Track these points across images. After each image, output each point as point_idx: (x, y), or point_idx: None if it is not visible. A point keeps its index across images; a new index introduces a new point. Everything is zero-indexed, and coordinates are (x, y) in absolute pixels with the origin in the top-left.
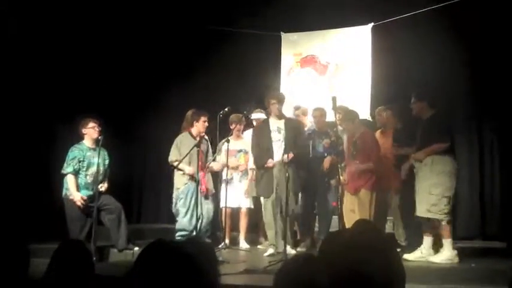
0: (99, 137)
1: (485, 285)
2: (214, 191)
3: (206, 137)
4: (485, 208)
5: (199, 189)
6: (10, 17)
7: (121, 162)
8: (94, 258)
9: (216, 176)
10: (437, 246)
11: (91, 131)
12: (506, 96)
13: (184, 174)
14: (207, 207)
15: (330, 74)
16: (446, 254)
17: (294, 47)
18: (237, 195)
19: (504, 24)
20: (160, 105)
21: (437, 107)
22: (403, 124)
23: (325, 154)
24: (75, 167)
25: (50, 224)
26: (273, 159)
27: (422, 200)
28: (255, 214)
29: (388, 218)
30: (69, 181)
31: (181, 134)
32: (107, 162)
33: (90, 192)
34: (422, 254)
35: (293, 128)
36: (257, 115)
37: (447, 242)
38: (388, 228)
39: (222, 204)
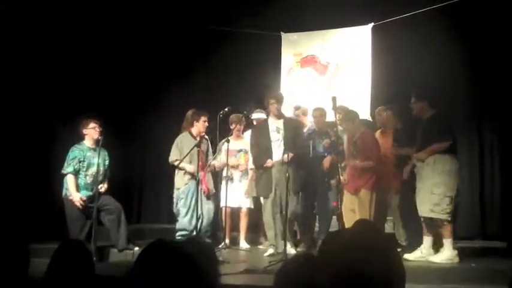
0: (100, 138)
1: (485, 285)
2: (214, 191)
3: (206, 137)
4: (486, 208)
5: (199, 189)
6: (10, 17)
7: (121, 163)
8: (94, 258)
9: (216, 176)
10: (437, 246)
11: (92, 132)
12: (506, 96)
13: (185, 173)
14: (207, 207)
15: (330, 74)
16: (447, 254)
17: (294, 47)
18: (237, 195)
19: (504, 24)
20: (160, 105)
21: (438, 107)
22: (403, 124)
23: (325, 154)
24: (75, 167)
25: (50, 224)
26: (272, 159)
27: (424, 199)
28: (255, 214)
29: (388, 218)
30: (69, 181)
31: (182, 134)
32: (107, 162)
33: (90, 193)
34: (422, 254)
35: (292, 128)
36: (257, 115)
37: (448, 242)
38: (389, 228)
39: (222, 204)
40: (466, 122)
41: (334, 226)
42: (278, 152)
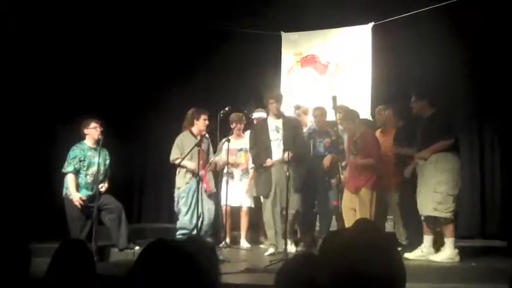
0: (100, 137)
1: (485, 284)
2: (215, 190)
3: (207, 136)
4: (486, 207)
5: (200, 187)
6: (10, 17)
7: (122, 162)
8: (95, 258)
9: (217, 176)
10: (437, 245)
11: (93, 131)
12: (506, 95)
13: (186, 172)
14: (208, 207)
15: (330, 73)
16: (447, 253)
17: (295, 47)
18: (237, 194)
19: (504, 23)
20: (160, 105)
21: (438, 106)
22: (404, 123)
23: (326, 153)
24: (76, 166)
25: (51, 223)
26: (271, 158)
27: (427, 198)
28: (255, 213)
29: (388, 217)
30: (69, 181)
31: (182, 133)
32: (107, 162)
33: (90, 192)
34: (422, 253)
35: (292, 127)
36: (258, 114)
37: (449, 241)
38: (389, 227)
39: (222, 202)
40: (466, 121)
41: (334, 225)
42: (277, 151)
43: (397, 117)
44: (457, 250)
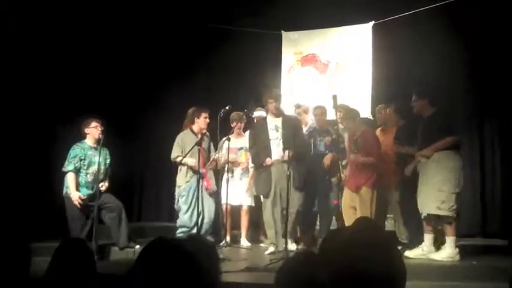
0: (101, 136)
1: (486, 282)
2: (216, 189)
3: (207, 134)
4: (486, 206)
5: (200, 186)
6: (10, 17)
7: (122, 161)
8: (95, 257)
9: (217, 174)
10: (438, 243)
11: (93, 131)
12: (507, 95)
13: (187, 171)
14: (208, 205)
15: (330, 72)
16: (448, 252)
17: (295, 46)
18: (238, 193)
19: (505, 22)
20: (160, 104)
21: (438, 105)
22: (404, 122)
23: (327, 152)
24: (76, 165)
25: (51, 222)
26: (271, 157)
27: (430, 196)
28: (255, 212)
29: (388, 215)
30: (69, 179)
31: (183, 132)
32: (108, 161)
33: (91, 191)
34: (423, 252)
35: (291, 126)
36: (258, 113)
37: (450, 240)
38: (389, 225)
39: (223, 201)
40: (466, 121)
41: (335, 224)
42: (277, 150)
43: (398, 115)
44: (457, 249)
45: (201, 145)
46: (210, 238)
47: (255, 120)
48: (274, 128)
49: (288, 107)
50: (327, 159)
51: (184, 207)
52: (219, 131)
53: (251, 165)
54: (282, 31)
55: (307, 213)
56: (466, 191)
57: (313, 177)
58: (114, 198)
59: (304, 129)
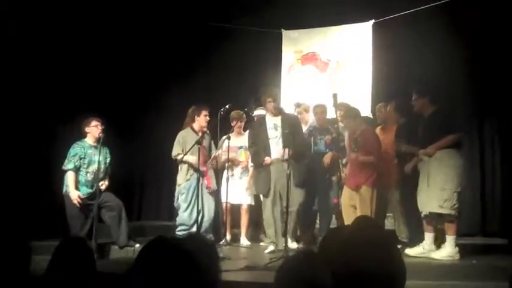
0: (101, 135)
1: (486, 281)
2: (216, 188)
3: (208, 132)
4: (486, 205)
5: (200, 184)
6: (10, 17)
7: (122, 160)
8: (95, 255)
9: (217, 173)
10: (438, 242)
11: (94, 130)
12: (507, 94)
13: (188, 169)
14: (208, 204)
15: (330, 71)
16: (448, 251)
17: (295, 44)
18: (237, 192)
19: (505, 21)
20: (161, 104)
21: (439, 104)
22: (405, 120)
23: (327, 150)
24: (76, 163)
25: (51, 221)
26: (270, 156)
27: (433, 195)
28: (255, 211)
29: (388, 214)
30: (69, 178)
31: (184, 130)
32: (108, 160)
33: (91, 190)
34: (424, 250)
35: (291, 124)
36: (259, 112)
37: (450, 239)
38: (389, 224)
39: (223, 200)
40: (466, 120)
41: (334, 223)
42: (276, 149)
43: (398, 113)
44: (457, 248)
45: (201, 143)
46: (209, 236)
47: (256, 119)
48: (273, 127)
49: (288, 106)
50: (327, 158)
51: (183, 205)
52: (219, 129)
53: (251, 164)
54: (282, 30)
55: (307, 211)
56: (466, 190)
57: (313, 176)
58: (114, 197)
59: (305, 128)
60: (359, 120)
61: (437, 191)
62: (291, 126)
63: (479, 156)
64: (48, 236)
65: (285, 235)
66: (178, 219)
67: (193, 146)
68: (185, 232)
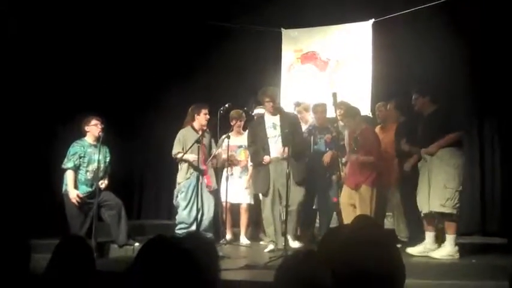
0: (100, 134)
1: (485, 281)
2: (216, 187)
3: (208, 130)
4: (486, 204)
5: (200, 183)
6: (10, 17)
7: (122, 159)
8: (95, 254)
9: (217, 173)
10: (439, 241)
11: (93, 129)
12: (507, 93)
13: (188, 166)
14: (208, 203)
15: (330, 70)
16: (447, 250)
17: (295, 43)
18: (237, 191)
19: (505, 20)
20: (160, 103)
21: (439, 103)
22: (405, 118)
23: (327, 149)
24: (76, 162)
25: (51, 219)
26: (269, 155)
27: (434, 194)
28: (255, 210)
29: (388, 213)
30: (68, 177)
31: (184, 128)
32: (107, 159)
33: (90, 189)
34: (425, 249)
35: (290, 123)
36: (259, 111)
37: (450, 238)
38: (389, 223)
39: (222, 199)
40: (466, 119)
41: (334, 222)
42: (275, 148)
43: (398, 112)
44: (457, 247)
45: (201, 142)
46: (209, 235)
47: (255, 118)
48: (272, 126)
49: (288, 105)
50: (327, 157)
51: (183, 204)
52: (218, 128)
53: (250, 163)
54: (282, 29)
55: (306, 210)
56: (465, 189)
57: (313, 175)
58: (114, 196)
59: (305, 127)
60: (359, 119)
61: (439, 190)
62: (290, 125)
63: (479, 155)
64: (47, 234)
65: (284, 234)
66: (178, 218)
67: (193, 144)
68: (185, 230)
